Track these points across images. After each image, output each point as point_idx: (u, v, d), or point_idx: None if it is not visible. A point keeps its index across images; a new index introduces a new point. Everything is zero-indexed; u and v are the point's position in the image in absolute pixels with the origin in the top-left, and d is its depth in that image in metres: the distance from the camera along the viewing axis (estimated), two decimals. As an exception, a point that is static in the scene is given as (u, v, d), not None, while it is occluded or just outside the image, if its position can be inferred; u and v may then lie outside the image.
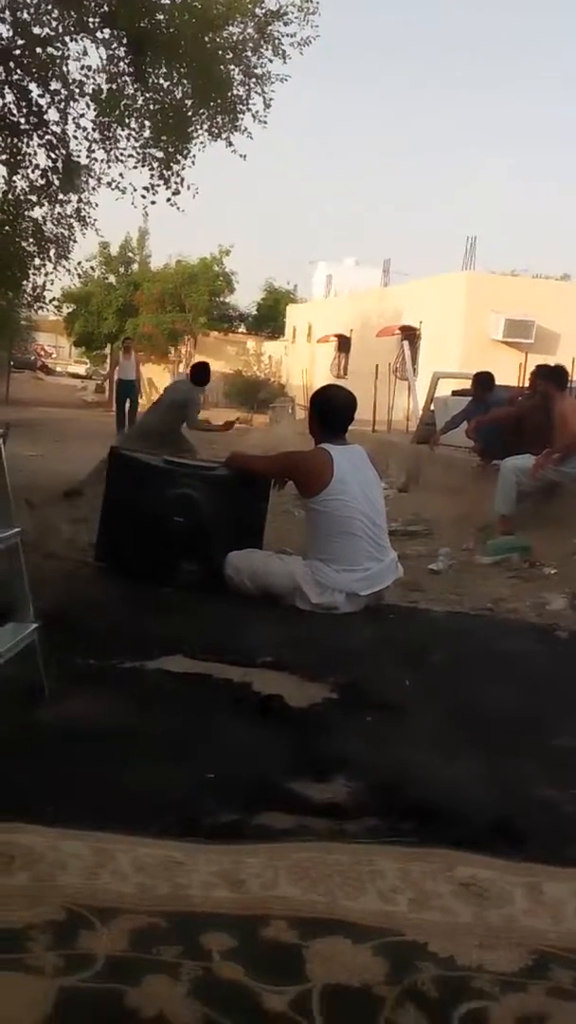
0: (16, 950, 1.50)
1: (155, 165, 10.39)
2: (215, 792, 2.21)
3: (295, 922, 1.65)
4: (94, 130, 10.21)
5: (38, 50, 9.52)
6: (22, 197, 10.71)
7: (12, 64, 9.48)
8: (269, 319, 36.07)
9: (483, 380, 9.22)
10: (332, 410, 4.59)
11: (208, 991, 1.44)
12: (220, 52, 9.65)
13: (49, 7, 9.36)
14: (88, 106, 10.03)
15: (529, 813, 2.21)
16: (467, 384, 11.30)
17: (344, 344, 26.24)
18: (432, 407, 12.18)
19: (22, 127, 10.02)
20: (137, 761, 2.37)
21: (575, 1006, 1.48)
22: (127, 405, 17.19)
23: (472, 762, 2.53)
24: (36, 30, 9.52)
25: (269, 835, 2.02)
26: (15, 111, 9.89)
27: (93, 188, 10.84)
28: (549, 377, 7.39)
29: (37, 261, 11.38)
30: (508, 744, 2.72)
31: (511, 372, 14.08)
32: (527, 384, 8.93)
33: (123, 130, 10.19)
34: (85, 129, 10.18)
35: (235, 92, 10.07)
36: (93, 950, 1.53)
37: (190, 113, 10.15)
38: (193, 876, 1.78)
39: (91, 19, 9.49)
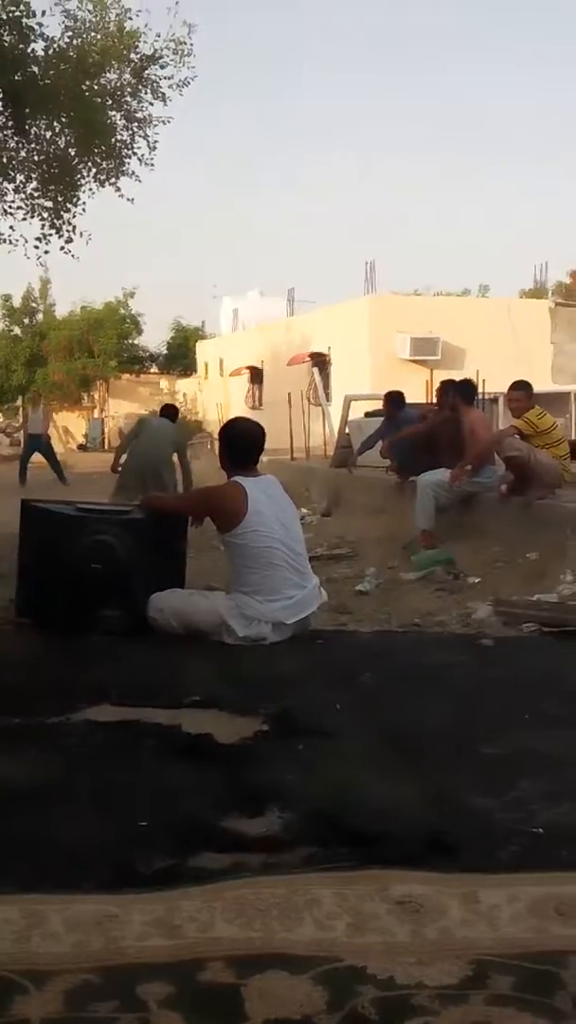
0: (-54, 1026, 1.46)
1: (45, 215, 10.40)
2: (148, 839, 2.18)
3: (232, 961, 1.63)
4: (-23, 184, 10.18)
5: None
6: None
7: None
8: (180, 357, 36.13)
9: (394, 399, 9.37)
10: (239, 443, 4.61)
11: (147, 1043, 1.42)
12: (99, 99, 9.73)
13: None
14: (-33, 161, 10.01)
15: (462, 824, 2.23)
16: (379, 405, 11.46)
17: (256, 375, 26.38)
18: (347, 430, 12.32)
19: None
20: (67, 816, 2.32)
21: (515, 1012, 1.48)
22: (33, 457, 16.68)
23: (404, 779, 2.55)
24: None
25: (206, 876, 2.00)
26: None
27: (-17, 242, 10.79)
28: (458, 391, 7.55)
29: None
30: (439, 758, 2.74)
31: (419, 389, 14.33)
32: (434, 400, 9.10)
33: (8, 183, 10.18)
34: (-33, 184, 10.15)
35: (118, 137, 10.15)
36: (27, 1015, 1.49)
37: (75, 161, 10.20)
38: (127, 928, 1.75)
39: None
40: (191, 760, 2.72)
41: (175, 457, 9.68)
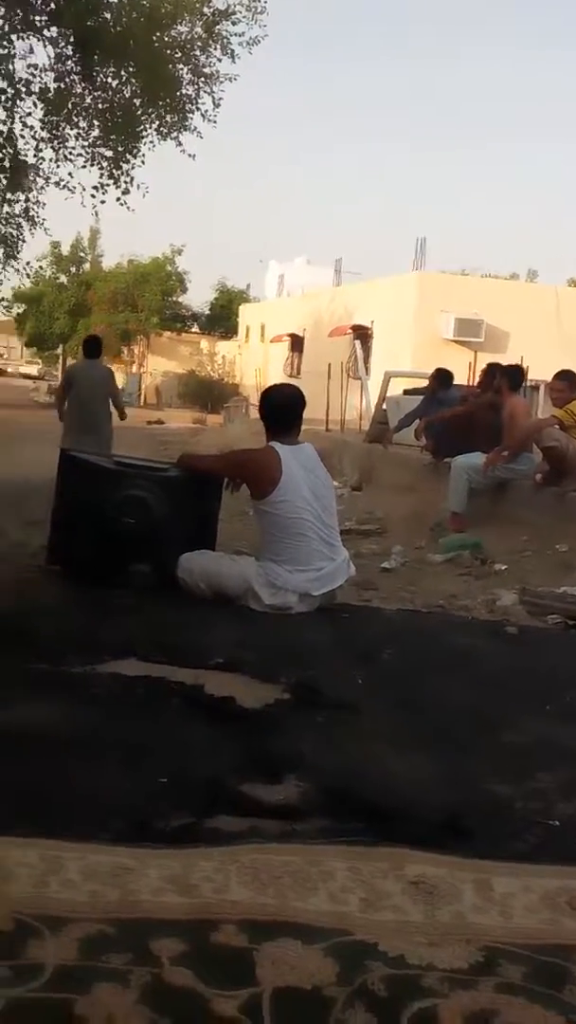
0: (-38, 962, 1.48)
1: (104, 164, 10.37)
2: (167, 796, 2.20)
3: (245, 925, 1.65)
4: (42, 129, 10.15)
5: (-17, 48, 9.43)
6: (-31, 197, 10.62)
7: (-43, 62, 9.39)
8: (222, 319, 36.04)
9: (441, 376, 9.32)
10: (279, 408, 4.59)
11: (158, 997, 1.43)
12: (168, 51, 9.65)
13: (-6, 5, 9.28)
14: (35, 105, 9.97)
15: (479, 809, 2.23)
16: (418, 383, 11.40)
17: (297, 344, 26.29)
18: (384, 406, 12.27)
19: (-33, 125, 9.93)
20: (88, 766, 2.35)
21: (524, 1002, 1.49)
22: None
23: (423, 759, 2.55)
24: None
25: (221, 838, 2.01)
26: (-40, 109, 9.79)
27: (41, 187, 10.78)
28: (506, 376, 7.49)
29: (-15, 261, 11.28)
30: (459, 741, 2.74)
31: (461, 371, 14.20)
32: (478, 382, 9.03)
33: (71, 129, 10.16)
34: (32, 128, 10.13)
35: (184, 91, 10.07)
36: (42, 959, 1.51)
37: (139, 112, 10.14)
38: (143, 882, 1.77)
39: (37, 17, 9.42)
40: (213, 721, 2.73)
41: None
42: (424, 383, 10.44)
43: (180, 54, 9.71)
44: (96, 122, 10.00)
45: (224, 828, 2.06)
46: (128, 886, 1.76)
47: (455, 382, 9.57)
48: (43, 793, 2.18)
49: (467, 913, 1.76)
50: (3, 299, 13.60)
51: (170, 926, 1.63)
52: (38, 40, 9.59)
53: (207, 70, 9.92)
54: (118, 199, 10.55)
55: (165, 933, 1.60)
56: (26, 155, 10.22)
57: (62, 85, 9.80)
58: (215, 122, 10.37)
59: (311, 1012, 1.43)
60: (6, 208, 10.88)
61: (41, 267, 31.45)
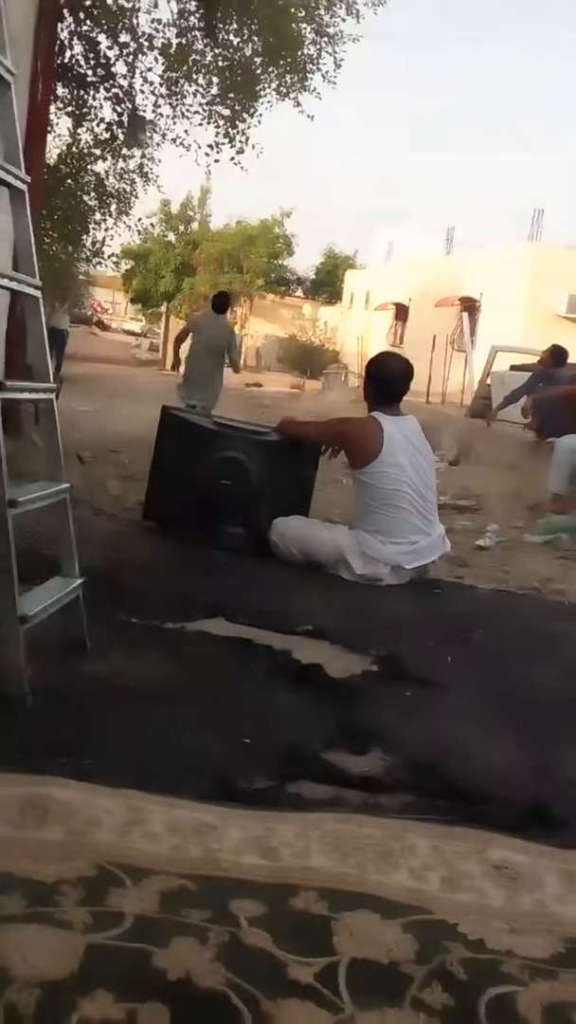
0: (47, 904, 1.51)
1: (221, 123, 10.33)
2: (251, 758, 2.20)
3: (325, 893, 1.64)
4: (161, 85, 10.16)
5: (108, 1, 9.44)
6: (86, 151, 10.70)
7: (82, 15, 9.43)
8: (327, 284, 35.81)
9: (557, 353, 9.09)
10: (387, 378, 4.53)
11: (235, 957, 1.44)
12: (292, 10, 9.51)
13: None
14: (156, 60, 9.99)
15: (567, 799, 2.18)
16: (526, 359, 11.15)
17: (402, 313, 25.99)
18: (488, 381, 12.05)
19: (89, 79, 9.98)
20: (174, 721, 2.37)
21: (605, 998, 1.45)
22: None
23: (511, 743, 2.50)
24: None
25: (303, 804, 2.01)
26: (83, 63, 9.86)
27: (157, 144, 10.82)
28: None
29: (98, 216, 11.39)
30: (549, 728, 2.69)
31: (575, 349, 13.85)
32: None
33: (190, 86, 10.14)
34: (152, 84, 10.14)
35: (305, 51, 9.94)
36: (122, 908, 1.53)
37: (259, 71, 10.05)
38: (225, 841, 1.78)
39: (163, -29, 9.41)
40: (299, 687, 2.73)
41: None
42: (531, 359, 10.21)
43: (304, 13, 9.58)
44: (215, 79, 9.97)
45: (306, 794, 2.06)
46: (210, 844, 1.77)
47: (568, 361, 9.33)
48: (130, 745, 2.20)
49: (550, 902, 1.72)
50: (112, 255, 13.72)
51: (250, 887, 1.63)
52: (163, -6, 9.63)
53: (330, 30, 9.79)
54: (232, 158, 10.52)
55: (245, 894, 1.61)
56: (144, 111, 10.27)
57: (184, 41, 9.78)
58: (335, 83, 10.26)
59: (388, 986, 1.42)
60: (121, 163, 10.95)
61: (152, 224, 31.70)
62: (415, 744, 2.40)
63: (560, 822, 2.05)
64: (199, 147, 10.50)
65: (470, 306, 20.55)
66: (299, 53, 9.79)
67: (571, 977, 1.50)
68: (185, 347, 10.62)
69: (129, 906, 1.54)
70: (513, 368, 11.51)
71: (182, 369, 10.67)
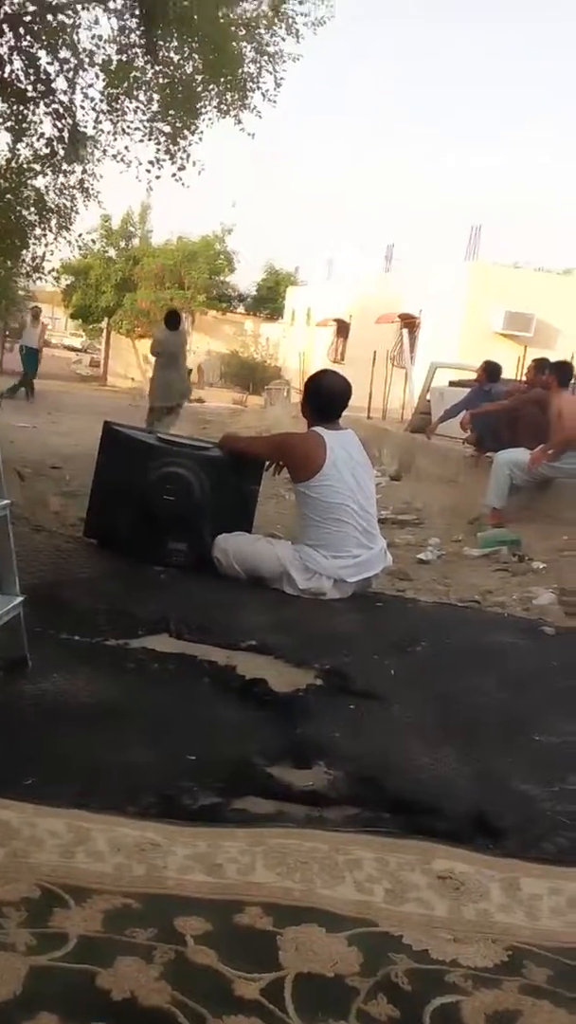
0: (-12, 926, 1.49)
1: (162, 139, 10.30)
2: (196, 774, 2.19)
3: (270, 908, 1.64)
4: (102, 101, 10.10)
5: (48, 17, 9.39)
6: (25, 166, 10.60)
7: (22, 30, 9.36)
8: (268, 300, 35.90)
9: (490, 369, 9.21)
10: (327, 396, 4.56)
11: (180, 975, 1.43)
12: (233, 28, 9.55)
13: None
14: (97, 76, 9.93)
15: (508, 809, 2.21)
16: (464, 375, 11.30)
17: (343, 329, 26.14)
18: (428, 397, 12.16)
19: (29, 94, 9.89)
20: (118, 740, 2.35)
21: (549, 1005, 1.47)
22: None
23: (453, 755, 2.52)
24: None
25: (248, 820, 2.01)
26: (22, 78, 9.76)
27: (98, 160, 10.76)
28: (555, 371, 7.37)
29: (38, 231, 11.28)
30: (490, 738, 2.71)
31: (509, 365, 14.06)
32: (525, 377, 8.93)
33: (131, 102, 10.10)
34: (93, 100, 10.08)
35: (246, 69, 9.98)
36: (66, 929, 1.51)
37: (199, 88, 10.06)
38: (170, 858, 1.77)
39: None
40: (244, 703, 2.73)
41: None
42: (470, 375, 10.34)
43: (244, 31, 9.63)
44: (156, 96, 9.95)
45: (251, 810, 2.06)
46: (154, 861, 1.76)
47: (503, 377, 9.47)
48: (72, 764, 2.18)
49: (493, 912, 1.74)
50: (52, 270, 13.59)
51: (195, 904, 1.63)
52: (103, 11, 9.55)
53: (271, 49, 9.86)
54: (173, 175, 10.49)
55: (190, 911, 1.60)
56: (85, 126, 10.21)
57: (124, 58, 9.74)
58: (275, 102, 10.31)
59: (333, 1000, 1.42)
60: (62, 179, 10.86)
61: (92, 240, 31.46)
62: (359, 757, 2.41)
63: (503, 832, 2.08)
64: (140, 163, 10.48)
65: (410, 323, 20.74)
66: (239, 71, 9.83)
67: (514, 986, 1.52)
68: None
69: (73, 927, 1.52)
70: (452, 384, 11.64)
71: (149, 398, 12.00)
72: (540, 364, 7.82)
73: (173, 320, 12.04)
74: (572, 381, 7.43)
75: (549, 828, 2.14)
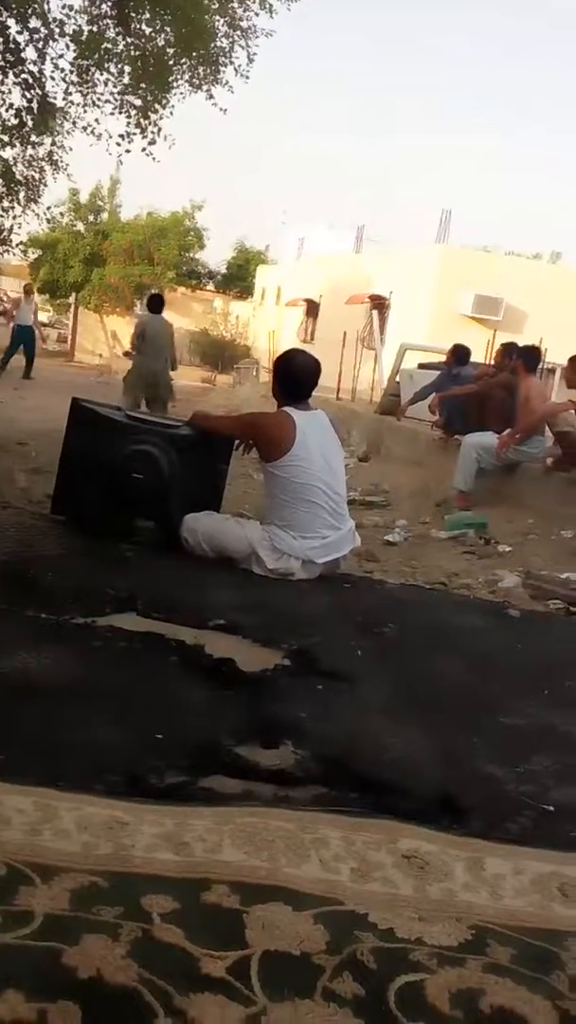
0: (-46, 904, 1.48)
1: (132, 112, 10.19)
2: (163, 753, 2.19)
3: (237, 887, 1.65)
4: (72, 72, 9.96)
5: (18, -15, 9.24)
6: (-7, 136, 10.45)
7: (-10, -2, 9.20)
8: (238, 279, 35.75)
9: (459, 352, 9.23)
10: (296, 376, 4.54)
11: (147, 953, 1.43)
12: (206, 1, 9.44)
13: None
14: (67, 47, 9.78)
15: (473, 789, 2.23)
16: (434, 357, 11.32)
17: (312, 309, 26.09)
18: (397, 379, 12.19)
19: (-3, 64, 9.75)
20: (85, 718, 2.34)
21: (512, 983, 1.49)
22: (20, 350, 17.45)
23: (419, 735, 2.54)
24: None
25: (215, 799, 2.01)
26: (-9, 47, 9.61)
27: (68, 131, 10.63)
28: (523, 356, 7.41)
29: (5, 203, 11.13)
30: (455, 719, 2.74)
31: (478, 348, 14.11)
32: (493, 361, 8.97)
33: (102, 74, 9.97)
34: (63, 71, 9.93)
35: (218, 44, 9.87)
36: (32, 907, 1.51)
37: (171, 62, 9.94)
38: (137, 837, 1.77)
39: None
40: (211, 682, 2.73)
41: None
42: (439, 358, 10.37)
43: (217, 5, 9.51)
44: (127, 69, 9.82)
45: (218, 789, 2.07)
46: (121, 840, 1.76)
47: (472, 360, 9.50)
48: (39, 742, 2.17)
49: (458, 891, 1.76)
50: (20, 243, 13.42)
51: (162, 883, 1.63)
52: (75, -21, 9.42)
53: (243, 23, 9.74)
54: (143, 149, 10.36)
55: (157, 889, 1.60)
56: (54, 98, 10.07)
57: (95, 29, 9.59)
58: (248, 77, 10.21)
59: (299, 978, 1.43)
60: (30, 151, 10.71)
61: (60, 214, 31.09)
62: (326, 737, 2.42)
63: (467, 811, 2.10)
64: (110, 136, 10.35)
65: (380, 304, 20.74)
66: (212, 45, 9.72)
67: (477, 964, 1.54)
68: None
69: (39, 905, 1.52)
70: (421, 366, 11.66)
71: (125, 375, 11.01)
72: (508, 348, 7.86)
73: (155, 303, 10.91)
74: (539, 366, 7.47)
75: (513, 809, 2.16)
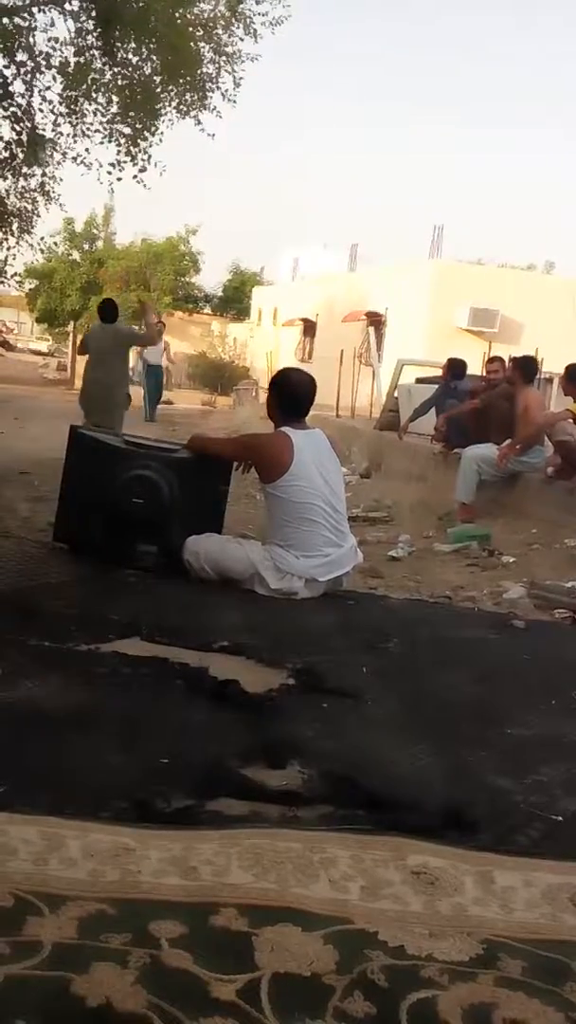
0: (-39, 937, 1.48)
1: (122, 141, 10.29)
2: (169, 777, 2.19)
3: (246, 909, 1.64)
4: (60, 103, 10.09)
5: (4, 20, 9.34)
6: (-16, 169, 10.55)
7: (-23, 33, 9.30)
8: (235, 301, 35.93)
9: (456, 367, 9.26)
10: (292, 394, 4.55)
11: (156, 979, 1.42)
12: (190, 29, 9.55)
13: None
14: (55, 79, 9.92)
15: (481, 802, 2.22)
16: (431, 371, 11.35)
17: (309, 328, 26.21)
18: (396, 394, 12.22)
19: (-15, 98, 9.85)
20: (90, 745, 2.34)
21: (524, 997, 1.48)
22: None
23: (426, 750, 2.53)
24: (2, 0, 9.35)
25: (222, 821, 2.01)
26: (-22, 82, 9.71)
27: (58, 162, 10.73)
28: (520, 367, 7.43)
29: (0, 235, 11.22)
30: (463, 732, 2.73)
31: (475, 361, 14.15)
32: (483, 373, 9.00)
33: (90, 104, 10.10)
34: (51, 102, 10.06)
35: (204, 70, 9.98)
36: (40, 937, 1.50)
37: (159, 90, 10.05)
38: (144, 863, 1.77)
39: (59, -10, 9.35)
40: (216, 704, 2.72)
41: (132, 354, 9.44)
42: (437, 372, 10.40)
43: (202, 32, 9.62)
44: (115, 98, 9.93)
45: (225, 811, 2.06)
46: (128, 866, 1.75)
47: (469, 372, 9.53)
48: (44, 770, 2.17)
49: (468, 905, 1.75)
50: (16, 274, 13.51)
51: (170, 908, 1.62)
52: (59, 13, 9.52)
53: (229, 49, 9.86)
54: (135, 176, 10.47)
55: (165, 915, 1.60)
56: (44, 129, 10.17)
57: (82, 60, 9.70)
58: (235, 102, 10.32)
59: (310, 999, 1.42)
60: (22, 182, 10.81)
61: (55, 243, 31.30)
62: (332, 755, 2.41)
63: (475, 825, 2.09)
64: (101, 165, 10.44)
65: (376, 321, 20.83)
66: (198, 72, 9.83)
67: (489, 978, 1.53)
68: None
69: (47, 934, 1.51)
70: (419, 381, 11.69)
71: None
72: (495, 360, 7.92)
73: (104, 310, 9.05)
74: (536, 376, 7.49)
75: (522, 821, 2.15)
